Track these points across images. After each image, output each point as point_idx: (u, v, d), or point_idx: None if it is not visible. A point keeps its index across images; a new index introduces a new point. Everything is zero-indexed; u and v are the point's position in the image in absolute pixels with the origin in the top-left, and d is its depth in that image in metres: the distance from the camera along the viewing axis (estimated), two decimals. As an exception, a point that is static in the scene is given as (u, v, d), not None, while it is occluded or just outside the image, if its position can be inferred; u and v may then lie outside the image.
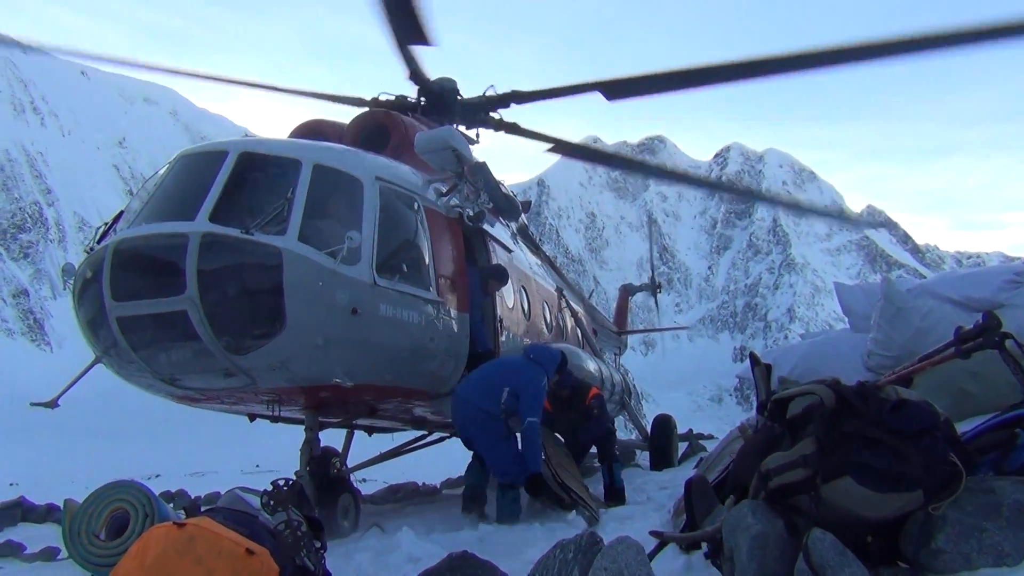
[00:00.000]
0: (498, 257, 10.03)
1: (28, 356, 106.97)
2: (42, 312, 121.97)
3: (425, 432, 11.27)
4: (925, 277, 8.60)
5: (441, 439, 11.60)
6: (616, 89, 10.49)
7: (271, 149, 7.61)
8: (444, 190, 8.88)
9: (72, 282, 7.19)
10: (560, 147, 12.34)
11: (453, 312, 8.38)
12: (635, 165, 11.08)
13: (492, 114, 11.48)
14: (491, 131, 11.73)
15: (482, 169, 9.40)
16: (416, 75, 10.66)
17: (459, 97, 11.25)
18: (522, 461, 7.62)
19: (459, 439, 8.22)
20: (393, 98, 11.26)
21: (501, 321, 9.66)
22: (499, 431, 7.76)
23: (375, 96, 11.31)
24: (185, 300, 6.24)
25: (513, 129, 11.63)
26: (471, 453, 8.15)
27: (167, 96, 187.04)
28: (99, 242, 7.24)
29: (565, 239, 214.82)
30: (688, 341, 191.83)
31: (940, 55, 7.69)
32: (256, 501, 3.12)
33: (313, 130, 9.90)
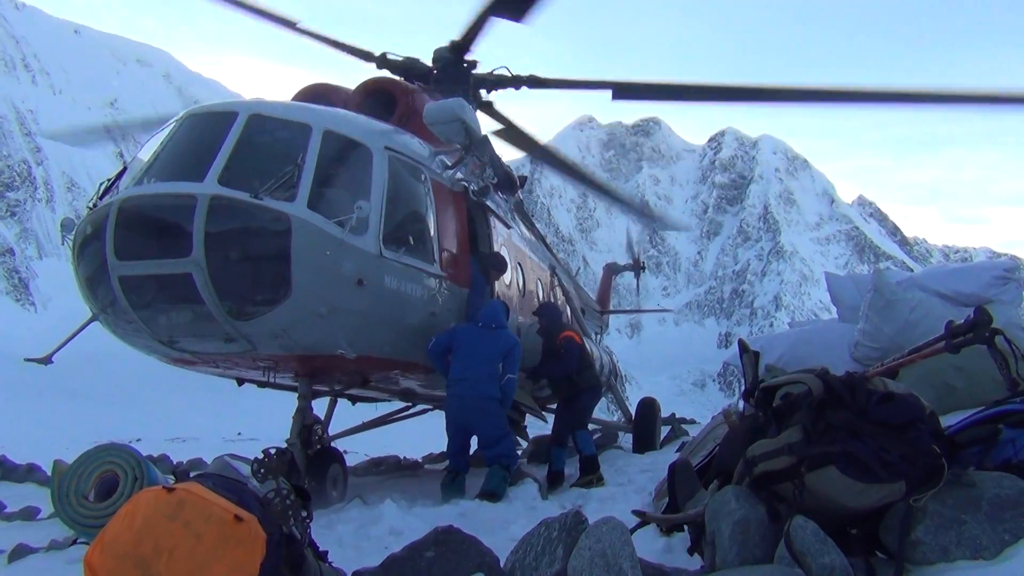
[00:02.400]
0: (498, 233, 10.00)
1: (12, 315, 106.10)
2: (27, 272, 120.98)
3: (409, 404, 11.29)
4: (913, 270, 8.66)
5: (424, 411, 11.63)
6: (625, 90, 10.78)
7: (281, 112, 7.51)
8: (450, 163, 8.82)
9: (71, 237, 7.12)
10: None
11: (454, 287, 8.38)
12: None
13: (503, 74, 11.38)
14: (512, 89, 11.57)
15: (486, 142, 9.36)
16: (462, 45, 10.54)
17: (474, 72, 11.12)
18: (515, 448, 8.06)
19: (449, 424, 8.14)
20: (400, 59, 11.10)
21: (498, 297, 9.68)
22: (503, 419, 8.02)
23: (382, 53, 11.12)
24: (190, 263, 6.19)
25: (534, 82, 11.43)
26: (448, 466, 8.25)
27: (161, 58, 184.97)
28: (101, 198, 7.16)
29: (556, 218, 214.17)
30: (674, 325, 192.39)
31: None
32: (245, 468, 3.13)
33: (318, 94, 9.68)
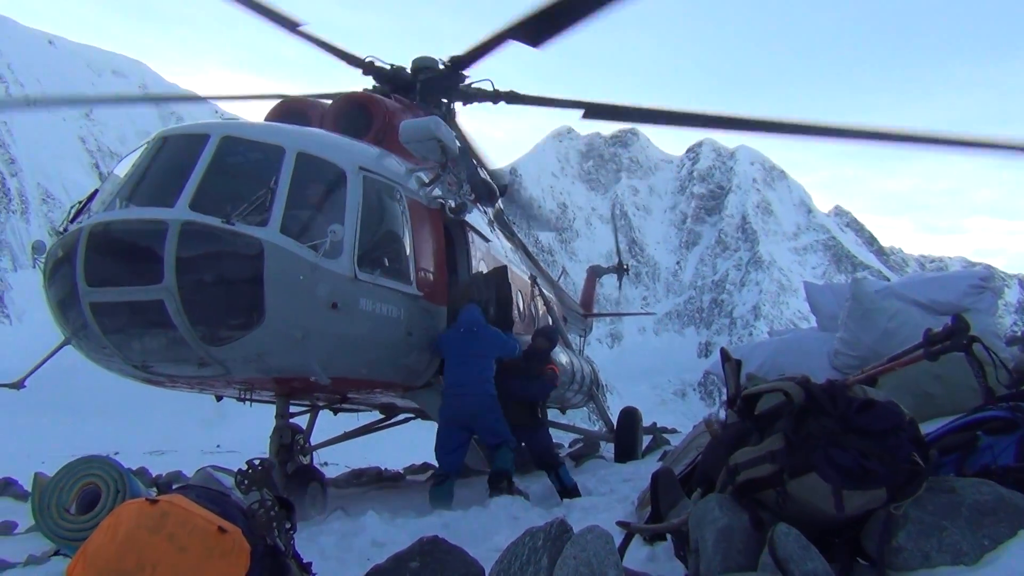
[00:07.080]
0: (477, 248, 10.00)
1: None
2: (2, 284, 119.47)
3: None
4: (889, 279, 8.78)
5: (406, 420, 11.61)
6: (596, 111, 11.05)
7: (254, 134, 7.45)
8: (426, 180, 8.78)
9: (42, 260, 7.04)
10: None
11: (431, 306, 8.35)
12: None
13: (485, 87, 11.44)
14: (489, 103, 11.61)
15: (462, 155, 9.37)
16: (464, 61, 10.80)
17: (461, 86, 11.19)
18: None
19: (445, 424, 8.13)
20: (388, 67, 11.06)
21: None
22: (502, 415, 8.10)
23: (369, 60, 11.10)
24: (162, 290, 6.12)
25: (512, 98, 11.56)
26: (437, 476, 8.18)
27: (136, 69, 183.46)
28: (72, 222, 7.10)
29: (535, 229, 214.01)
30: (654, 335, 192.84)
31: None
32: (228, 480, 3.11)
33: (292, 110, 9.67)
